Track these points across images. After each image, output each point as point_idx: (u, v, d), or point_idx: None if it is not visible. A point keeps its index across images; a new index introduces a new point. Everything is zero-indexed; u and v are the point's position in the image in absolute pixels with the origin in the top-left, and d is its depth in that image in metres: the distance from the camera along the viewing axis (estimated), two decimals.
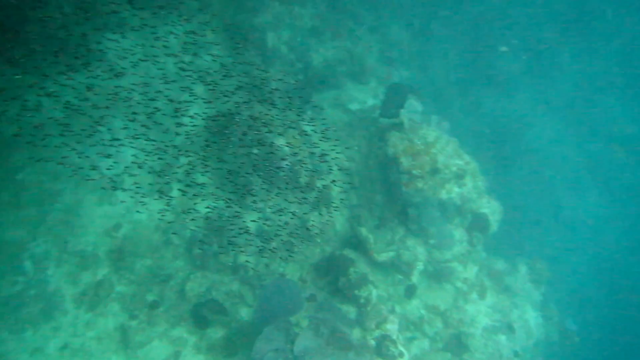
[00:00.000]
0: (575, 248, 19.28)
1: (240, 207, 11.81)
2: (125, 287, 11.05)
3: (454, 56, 20.49)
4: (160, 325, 10.83)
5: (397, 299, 12.77)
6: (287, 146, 11.98)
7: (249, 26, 14.84)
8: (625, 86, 23.22)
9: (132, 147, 11.26)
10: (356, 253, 12.46)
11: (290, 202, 11.96)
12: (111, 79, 10.59)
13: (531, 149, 19.86)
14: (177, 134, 11.67)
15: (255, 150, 11.73)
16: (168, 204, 11.65)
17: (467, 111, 18.81)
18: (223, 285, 11.50)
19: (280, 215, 11.86)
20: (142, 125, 10.57)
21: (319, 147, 12.64)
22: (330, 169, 12.76)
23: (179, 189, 11.88)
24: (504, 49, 21.26)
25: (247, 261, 11.46)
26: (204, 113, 11.80)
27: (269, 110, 12.12)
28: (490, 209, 13.69)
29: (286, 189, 12.03)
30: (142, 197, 11.22)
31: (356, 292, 11.48)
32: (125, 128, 11.28)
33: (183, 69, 11.99)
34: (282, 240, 11.82)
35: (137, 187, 11.20)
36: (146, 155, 11.13)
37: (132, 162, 11.29)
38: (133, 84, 10.75)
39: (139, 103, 10.62)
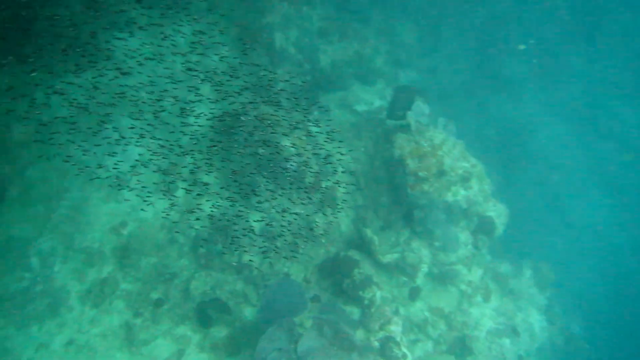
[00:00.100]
0: (581, 252, 19.16)
1: (244, 207, 11.82)
2: (130, 285, 11.11)
3: (462, 58, 20.42)
4: (165, 323, 10.87)
5: (401, 300, 12.75)
6: (293, 147, 11.99)
7: (257, 27, 14.87)
8: (634, 90, 23.05)
9: (139, 146, 11.33)
10: (361, 254, 12.44)
11: (295, 203, 11.96)
12: (118, 77, 10.63)
13: (538, 152, 19.76)
14: (183, 133, 11.70)
15: (260, 151, 11.75)
16: (173, 204, 11.68)
17: (474, 114, 18.75)
18: (227, 284, 11.53)
19: (285, 215, 11.87)
20: (148, 124, 10.61)
21: (324, 148, 12.64)
22: (335, 170, 12.76)
23: (183, 188, 11.91)
24: (521, 46, 21.14)
25: (250, 260, 11.48)
26: (210, 112, 11.82)
27: (276, 110, 12.13)
28: (496, 212, 13.63)
29: (290, 189, 12.03)
30: (148, 196, 11.26)
31: (360, 293, 11.48)
32: (132, 127, 11.32)
33: (190, 69, 12.01)
34: (286, 240, 11.83)
35: (143, 186, 11.25)
36: (152, 155, 11.18)
37: (136, 160, 11.35)
38: (140, 83, 10.80)
39: (143, 102, 10.66)
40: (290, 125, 11.99)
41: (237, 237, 11.29)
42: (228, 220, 11.63)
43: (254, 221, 11.92)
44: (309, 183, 12.23)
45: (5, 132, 10.63)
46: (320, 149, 12.53)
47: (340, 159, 12.88)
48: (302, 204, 12.16)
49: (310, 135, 12.65)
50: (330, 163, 12.60)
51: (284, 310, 10.63)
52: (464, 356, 12.73)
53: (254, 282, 11.59)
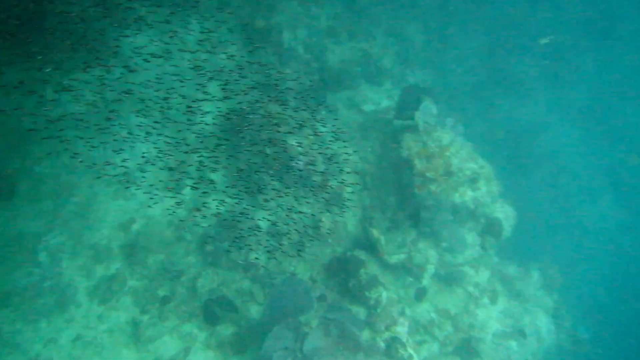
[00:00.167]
0: (589, 255, 19.03)
1: (251, 205, 11.84)
2: (137, 282, 11.16)
3: (470, 59, 20.34)
4: (171, 320, 10.91)
5: (407, 301, 12.72)
6: (300, 146, 12.00)
7: (265, 25, 14.90)
8: None
9: (146, 143, 11.39)
10: (367, 254, 12.43)
11: (301, 202, 11.98)
12: (125, 75, 10.70)
13: (547, 154, 19.65)
14: (190, 131, 11.75)
15: (267, 150, 11.77)
16: (179, 202, 11.72)
17: (482, 114, 18.67)
18: (234, 282, 11.55)
19: (291, 214, 11.88)
20: (155, 122, 10.68)
21: (331, 147, 12.64)
22: (341, 170, 12.75)
23: (190, 186, 11.95)
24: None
25: (256, 258, 11.50)
26: (217, 109, 11.86)
27: (283, 109, 12.15)
28: (504, 213, 13.57)
29: (297, 188, 12.05)
30: (155, 194, 11.31)
31: (366, 293, 11.46)
32: (139, 126, 11.39)
33: (198, 67, 12.06)
34: (292, 239, 11.84)
35: (151, 184, 11.30)
36: (159, 152, 11.22)
37: (142, 157, 11.40)
38: (148, 81, 10.85)
39: (150, 99, 10.70)
40: (297, 124, 12.01)
41: (243, 237, 11.32)
42: (233, 220, 11.66)
43: (259, 220, 11.92)
44: (315, 182, 12.24)
45: (15, 128, 10.71)
46: (327, 148, 12.53)
47: (346, 159, 12.88)
48: (307, 202, 12.17)
49: (317, 135, 12.65)
50: (336, 163, 12.60)
51: (290, 309, 10.65)
52: (470, 358, 12.67)
53: (261, 281, 11.61)
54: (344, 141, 12.63)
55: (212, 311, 10.97)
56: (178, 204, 11.58)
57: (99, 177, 11.27)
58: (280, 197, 11.78)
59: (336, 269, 12.14)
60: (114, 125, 11.29)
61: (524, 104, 20.32)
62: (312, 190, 12.04)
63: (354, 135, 14.59)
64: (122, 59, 11.72)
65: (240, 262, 11.58)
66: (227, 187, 11.91)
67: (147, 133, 11.05)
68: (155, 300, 11.02)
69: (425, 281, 12.88)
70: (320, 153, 12.36)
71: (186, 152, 11.47)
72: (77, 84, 10.53)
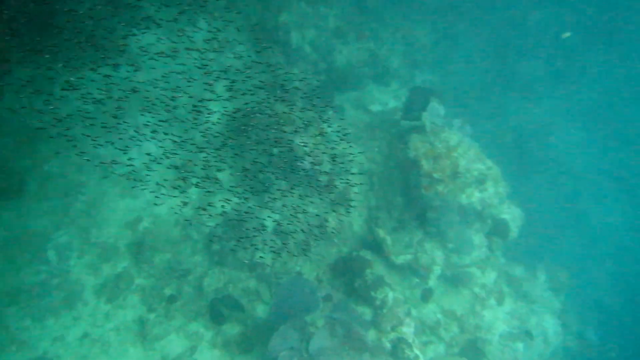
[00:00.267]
0: (597, 257, 18.89)
1: (257, 205, 11.86)
2: (144, 280, 11.22)
3: (478, 60, 20.25)
4: (178, 319, 10.96)
5: (413, 302, 12.69)
6: (306, 146, 12.00)
7: (273, 25, 14.91)
8: None
9: (153, 142, 11.43)
10: (373, 254, 12.42)
11: (307, 202, 11.98)
12: (132, 73, 10.75)
13: (555, 155, 19.53)
14: (197, 130, 11.77)
15: (273, 149, 11.78)
16: (184, 202, 11.75)
17: (490, 116, 18.58)
18: (240, 282, 11.58)
19: (297, 213, 11.89)
20: (161, 121, 10.70)
21: (337, 147, 12.64)
22: (347, 170, 12.74)
23: (196, 185, 11.98)
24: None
25: (260, 257, 11.51)
26: (224, 108, 11.88)
27: (290, 109, 12.16)
28: (511, 215, 13.49)
29: (302, 187, 12.05)
30: (162, 194, 11.35)
31: (372, 293, 11.45)
32: (146, 125, 11.44)
33: (205, 66, 12.08)
34: (298, 238, 11.84)
35: (157, 183, 11.34)
36: (165, 151, 11.26)
37: (149, 156, 11.45)
38: (156, 80, 10.89)
39: (156, 98, 10.73)
40: (304, 124, 12.01)
41: (248, 237, 11.34)
42: (240, 219, 11.68)
43: (264, 219, 11.93)
44: (321, 182, 12.23)
45: (24, 127, 10.79)
46: (332, 148, 12.53)
47: (351, 160, 12.86)
48: (312, 202, 12.16)
49: (324, 135, 12.65)
50: (342, 163, 12.59)
51: (296, 309, 10.64)
52: (477, 359, 12.62)
53: (267, 280, 11.63)
54: (347, 142, 12.60)
55: (219, 310, 11.00)
56: (184, 203, 11.61)
57: (105, 177, 11.34)
58: (285, 196, 11.78)
59: (342, 269, 12.13)
60: (121, 124, 11.34)
61: (532, 105, 20.20)
62: (317, 190, 12.04)
63: (361, 136, 14.57)
64: (129, 57, 11.77)
65: (246, 261, 11.61)
66: (233, 186, 11.94)
67: (154, 132, 11.08)
68: (162, 299, 11.07)
69: (432, 282, 12.84)
70: (324, 153, 12.34)
71: (192, 152, 11.50)
72: (84, 82, 10.58)
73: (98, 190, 11.52)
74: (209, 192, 11.76)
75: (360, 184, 12.99)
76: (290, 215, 11.96)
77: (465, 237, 13.09)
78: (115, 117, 10.76)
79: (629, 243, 20.37)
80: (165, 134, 10.68)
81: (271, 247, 11.54)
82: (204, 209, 11.44)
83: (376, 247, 12.59)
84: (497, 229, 13.39)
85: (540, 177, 18.37)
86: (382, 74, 16.85)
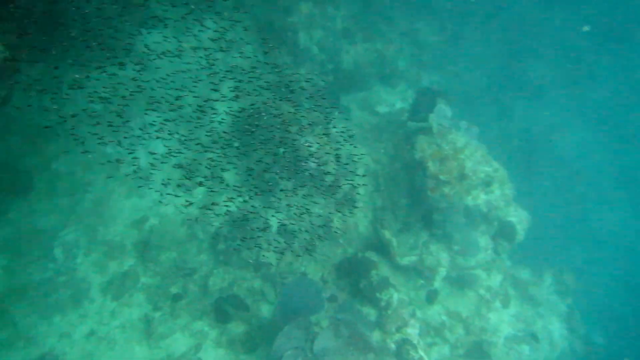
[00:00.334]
0: (604, 260, 18.75)
1: (262, 206, 11.89)
2: (150, 279, 11.27)
3: (485, 61, 20.19)
4: (183, 317, 11.00)
5: (418, 303, 12.66)
6: (312, 146, 12.01)
7: (281, 25, 14.94)
8: None
9: (158, 141, 11.50)
10: (378, 256, 12.40)
11: (312, 202, 11.99)
12: (139, 72, 10.80)
13: (562, 158, 19.43)
14: (202, 130, 11.82)
15: (279, 150, 11.81)
16: (191, 201, 11.80)
17: (497, 117, 18.52)
18: (245, 281, 11.61)
19: (301, 212, 11.91)
20: (166, 120, 10.76)
21: (342, 148, 12.64)
22: (351, 171, 12.74)
23: (200, 184, 12.02)
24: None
25: (263, 255, 11.53)
26: (229, 108, 11.92)
27: (296, 110, 12.18)
28: (518, 217, 13.43)
29: (307, 187, 12.06)
30: (167, 193, 11.41)
31: (377, 294, 11.44)
32: (152, 124, 11.50)
33: (212, 66, 12.12)
34: (303, 238, 11.86)
35: (163, 183, 11.41)
36: (170, 151, 11.31)
37: (154, 155, 11.50)
38: (162, 79, 10.94)
39: (162, 97, 10.79)
40: (309, 125, 12.03)
41: (254, 237, 11.36)
42: (245, 219, 11.71)
43: (269, 219, 11.95)
44: (326, 182, 12.23)
45: (32, 125, 10.88)
46: (337, 149, 12.52)
47: (356, 161, 12.86)
48: (316, 203, 12.17)
49: (330, 135, 12.65)
50: (346, 164, 12.59)
51: (300, 309, 10.66)
52: None
53: (272, 280, 11.65)
54: (351, 144, 12.60)
55: (223, 309, 11.03)
56: (189, 203, 11.66)
57: (110, 177, 11.43)
58: (290, 196, 11.81)
59: (347, 269, 12.13)
60: (127, 123, 11.42)
61: (540, 107, 20.11)
62: (321, 191, 12.04)
63: (367, 137, 14.57)
64: (136, 56, 11.84)
65: (251, 261, 11.63)
66: (237, 186, 11.97)
67: (159, 130, 11.14)
68: (168, 297, 11.12)
69: (437, 283, 12.81)
70: (327, 153, 12.35)
71: (197, 151, 11.56)
72: (91, 81, 10.67)
73: (105, 188, 11.60)
74: (213, 191, 11.80)
75: (364, 184, 12.97)
76: (295, 215, 11.98)
77: (471, 239, 13.05)
78: (121, 116, 10.85)
79: (636, 246, 20.21)
80: (170, 133, 10.74)
81: (275, 247, 11.55)
82: (209, 209, 11.48)
83: (381, 248, 12.57)
84: (503, 232, 13.34)
85: (548, 180, 18.27)
86: (389, 75, 16.83)
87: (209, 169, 11.76)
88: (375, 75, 16.65)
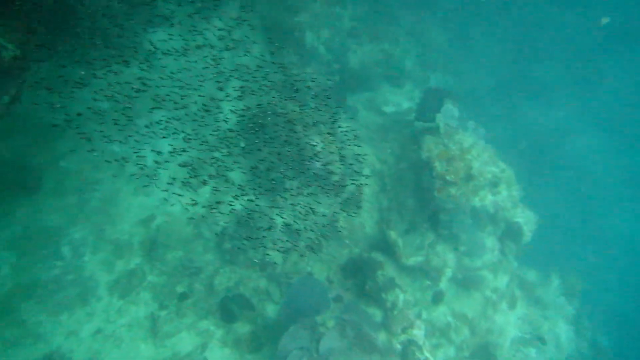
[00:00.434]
0: (612, 263, 18.63)
1: (267, 205, 11.90)
2: (156, 278, 11.31)
3: (493, 61, 20.10)
4: (189, 316, 11.03)
5: (424, 304, 12.63)
6: (317, 146, 12.01)
7: (288, 25, 14.94)
8: None
9: (164, 141, 11.54)
10: (384, 256, 12.37)
11: (317, 201, 11.98)
12: (145, 71, 10.84)
13: (570, 159, 19.31)
14: (208, 129, 11.84)
15: (284, 149, 11.81)
16: (195, 201, 11.82)
17: (505, 118, 18.43)
18: (251, 281, 11.62)
19: (307, 213, 11.91)
20: (172, 118, 10.79)
21: (348, 148, 12.62)
22: (356, 171, 12.72)
23: (204, 182, 12.04)
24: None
25: (267, 254, 11.54)
26: (235, 107, 11.94)
27: (302, 109, 12.18)
28: (525, 218, 13.37)
29: (312, 187, 12.05)
30: (174, 193, 11.44)
31: (383, 295, 11.42)
32: (158, 123, 11.54)
33: (218, 65, 12.15)
34: (309, 238, 11.86)
35: (169, 183, 11.44)
36: (175, 150, 11.34)
37: (158, 153, 11.54)
38: (169, 78, 10.98)
39: (167, 95, 10.82)
40: (315, 124, 12.02)
41: (259, 237, 11.37)
42: (250, 218, 11.72)
43: (273, 218, 11.95)
44: (331, 181, 12.22)
45: (41, 123, 10.96)
46: (342, 149, 12.51)
47: (361, 161, 12.84)
48: (319, 203, 12.16)
49: (335, 135, 12.64)
50: (351, 164, 12.57)
51: (306, 309, 10.66)
52: None
53: (277, 280, 11.66)
54: (358, 143, 12.58)
55: (229, 309, 11.06)
56: (194, 202, 11.68)
57: (115, 176, 11.48)
58: (295, 195, 11.81)
59: (353, 270, 12.12)
60: (133, 121, 11.47)
61: (548, 108, 20.00)
62: (325, 190, 12.03)
63: (373, 137, 14.54)
64: (142, 55, 11.88)
65: (256, 260, 11.65)
66: (243, 185, 11.99)
67: (164, 129, 11.17)
68: (174, 296, 11.16)
69: (443, 284, 12.77)
70: (332, 152, 12.33)
71: (203, 150, 11.59)
72: (97, 79, 10.73)
73: (113, 187, 11.66)
74: (219, 190, 11.83)
75: (367, 184, 12.94)
76: (300, 214, 11.98)
77: (478, 240, 13.00)
78: (127, 115, 10.89)
79: None
80: (175, 133, 10.77)
81: (280, 247, 11.56)
82: (213, 208, 11.50)
83: (387, 248, 12.55)
84: (510, 233, 13.28)
85: (555, 181, 18.17)
86: (396, 75, 16.79)
87: (215, 168, 11.78)
88: (382, 75, 16.63)
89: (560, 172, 18.67)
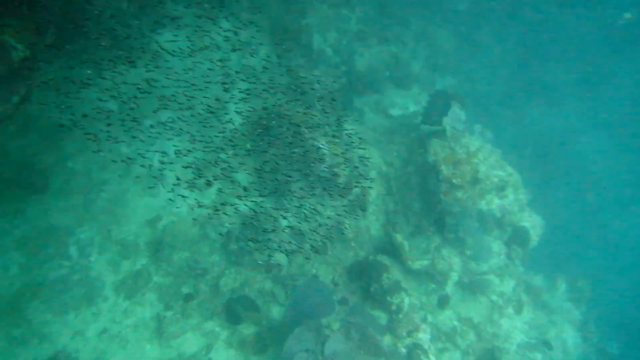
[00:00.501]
0: (620, 268, 18.48)
1: (273, 207, 11.90)
2: (162, 278, 11.34)
3: (501, 65, 20.04)
4: (194, 317, 11.04)
5: (429, 308, 12.58)
6: (323, 149, 12.01)
7: (296, 27, 14.98)
8: None
9: (169, 142, 11.59)
10: (390, 259, 12.34)
11: (323, 204, 11.98)
12: (152, 72, 10.89)
13: (578, 163, 19.20)
14: (213, 131, 11.87)
15: (290, 151, 11.82)
16: (201, 203, 11.86)
17: (512, 122, 18.37)
18: (256, 282, 11.62)
19: (313, 215, 11.91)
20: (177, 119, 10.83)
21: (354, 151, 12.62)
22: (361, 174, 12.71)
23: (208, 183, 12.06)
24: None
25: (269, 255, 11.54)
26: (241, 109, 11.97)
27: (308, 112, 12.19)
28: (531, 222, 13.30)
29: (318, 189, 12.05)
30: (178, 194, 11.48)
31: (388, 298, 11.38)
32: (163, 123, 11.59)
33: (225, 67, 12.19)
34: (314, 240, 11.85)
35: (174, 184, 11.48)
36: (181, 151, 11.39)
37: (165, 155, 11.60)
38: (176, 80, 11.03)
39: (173, 95, 10.86)
40: (322, 127, 12.03)
41: (265, 239, 11.38)
42: (256, 220, 11.74)
43: (279, 220, 11.96)
44: (337, 184, 12.21)
45: (49, 123, 11.03)
46: (348, 151, 12.50)
47: (367, 164, 12.83)
48: (322, 205, 12.16)
49: (341, 137, 12.63)
50: (356, 166, 12.56)
51: (311, 311, 10.65)
52: None
53: (283, 282, 11.65)
54: (363, 147, 12.57)
55: (234, 310, 11.06)
56: (199, 204, 11.71)
57: (123, 176, 11.53)
58: (300, 197, 11.82)
59: (358, 272, 12.10)
60: (140, 122, 11.52)
61: (556, 112, 19.90)
62: (329, 191, 12.02)
63: (380, 139, 14.52)
64: (149, 56, 11.94)
65: (260, 262, 11.65)
66: (249, 187, 12.01)
67: (169, 129, 11.21)
68: (179, 297, 11.18)
69: (449, 288, 12.72)
70: (336, 155, 12.32)
71: (208, 151, 11.61)
72: (104, 79, 10.79)
73: (119, 188, 11.71)
74: (224, 192, 11.85)
75: (371, 187, 12.92)
76: (305, 216, 11.98)
77: (484, 244, 12.95)
78: (134, 115, 10.95)
79: None
80: (178, 135, 10.81)
81: (285, 249, 11.56)
82: (217, 209, 11.52)
83: (393, 251, 12.51)
84: (517, 237, 13.22)
85: (563, 185, 18.07)
86: (403, 78, 16.78)
87: (220, 169, 11.81)
88: (389, 78, 16.62)
89: (569, 175, 18.56)
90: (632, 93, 22.07)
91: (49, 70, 10.03)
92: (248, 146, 12.17)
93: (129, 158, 11.25)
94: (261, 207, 11.75)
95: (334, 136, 12.16)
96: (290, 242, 11.66)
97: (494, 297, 13.24)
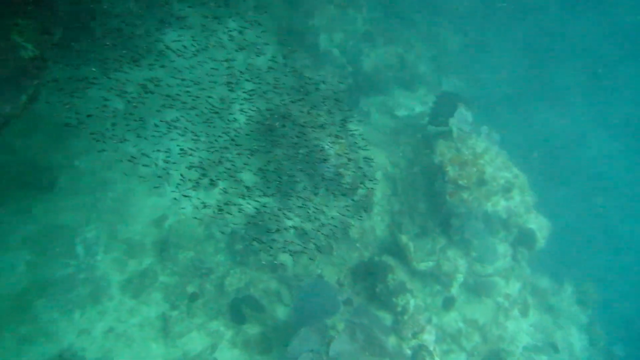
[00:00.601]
0: (628, 271, 18.34)
1: (277, 207, 11.91)
2: (168, 278, 11.37)
3: (508, 66, 19.96)
4: (199, 317, 11.07)
5: (434, 309, 12.54)
6: (328, 149, 12.00)
7: (302, 28, 14.98)
8: None
9: (174, 142, 11.63)
10: (395, 260, 12.31)
11: (328, 204, 11.97)
12: (157, 72, 10.94)
13: (585, 165, 19.09)
14: (219, 130, 11.89)
15: (295, 152, 11.82)
16: (205, 203, 11.88)
17: (519, 123, 18.28)
18: (261, 282, 11.63)
19: (318, 215, 11.90)
20: (183, 117, 10.84)
21: (359, 152, 12.60)
22: (365, 175, 12.69)
23: (212, 183, 12.07)
24: None
25: (272, 257, 11.54)
26: (247, 109, 11.98)
27: (314, 112, 12.18)
28: (538, 224, 13.22)
29: (323, 190, 12.05)
30: (183, 195, 11.51)
31: (394, 299, 11.36)
32: (166, 122, 11.61)
33: (230, 67, 12.21)
34: (319, 240, 11.85)
35: (178, 184, 11.52)
36: (186, 151, 11.41)
37: (169, 154, 11.63)
38: (181, 80, 11.06)
39: (178, 95, 10.88)
40: (327, 127, 12.02)
41: (270, 239, 11.38)
42: (261, 220, 11.74)
43: (285, 220, 11.96)
44: (342, 185, 12.20)
45: (56, 123, 11.08)
46: (353, 152, 12.48)
47: (372, 165, 12.81)
48: (326, 205, 12.15)
49: (347, 139, 12.61)
50: (360, 167, 12.54)
51: (316, 312, 10.64)
52: None
53: (288, 282, 11.65)
54: (368, 148, 12.54)
55: (239, 310, 11.08)
56: (204, 204, 11.72)
57: (128, 175, 11.57)
58: (305, 198, 11.81)
59: (363, 273, 12.08)
60: (145, 121, 11.56)
61: (563, 114, 19.79)
62: (332, 191, 12.00)
63: (386, 140, 14.50)
64: (155, 56, 11.97)
65: (264, 262, 11.65)
66: (253, 187, 12.02)
67: (173, 128, 11.23)
68: (185, 296, 11.21)
69: (454, 290, 12.66)
70: (339, 154, 12.30)
71: (213, 151, 11.63)
72: (111, 80, 10.84)
73: (126, 187, 11.75)
74: (229, 192, 11.87)
75: (373, 188, 12.88)
76: (310, 216, 11.97)
77: (490, 246, 12.88)
78: (139, 114, 10.98)
79: None
80: (183, 134, 10.82)
81: (290, 249, 11.56)
82: (221, 209, 11.53)
83: (398, 252, 12.48)
84: (523, 239, 13.14)
85: (570, 187, 17.96)
86: (410, 79, 16.74)
87: (226, 169, 11.82)
88: (395, 79, 16.59)
89: (575, 177, 18.46)
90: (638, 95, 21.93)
91: (56, 70, 10.08)
92: (253, 146, 12.18)
93: (135, 158, 11.30)
94: (265, 207, 11.75)
95: (337, 136, 12.15)
96: (293, 242, 11.65)
97: (500, 299, 13.18)
